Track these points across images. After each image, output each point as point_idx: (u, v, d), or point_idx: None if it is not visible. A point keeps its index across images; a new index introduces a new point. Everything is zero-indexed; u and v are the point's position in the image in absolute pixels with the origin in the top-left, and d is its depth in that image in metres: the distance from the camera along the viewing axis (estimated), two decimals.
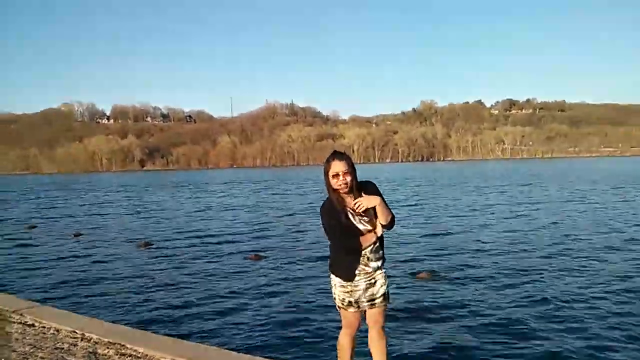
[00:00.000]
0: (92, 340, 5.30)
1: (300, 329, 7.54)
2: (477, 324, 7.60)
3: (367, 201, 3.57)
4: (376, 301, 3.76)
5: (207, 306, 8.94)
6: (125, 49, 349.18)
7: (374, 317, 3.85)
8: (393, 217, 3.70)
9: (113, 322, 6.82)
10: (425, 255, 12.93)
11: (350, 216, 3.62)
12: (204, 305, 9.02)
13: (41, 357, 4.56)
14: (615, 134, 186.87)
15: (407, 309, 8.33)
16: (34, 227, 21.64)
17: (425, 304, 8.70)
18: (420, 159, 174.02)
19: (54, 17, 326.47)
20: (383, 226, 3.66)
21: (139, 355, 4.85)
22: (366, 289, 3.71)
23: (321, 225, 3.73)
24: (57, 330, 5.64)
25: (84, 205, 33.88)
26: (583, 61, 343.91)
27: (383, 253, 3.82)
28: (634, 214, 19.91)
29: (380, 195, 3.69)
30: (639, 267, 10.97)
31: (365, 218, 3.64)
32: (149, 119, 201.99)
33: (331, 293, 3.92)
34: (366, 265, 3.68)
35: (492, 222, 19.00)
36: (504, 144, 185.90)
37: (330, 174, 3.59)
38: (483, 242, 14.67)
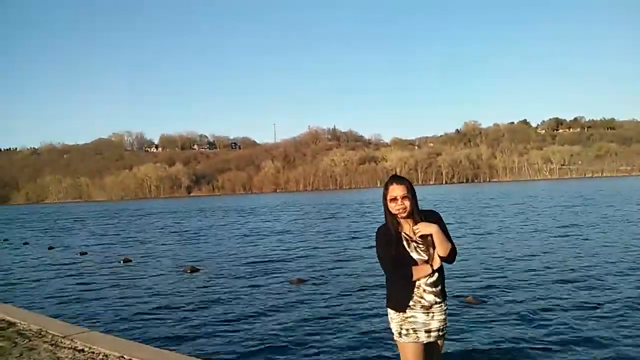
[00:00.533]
0: None
1: (342, 351, 7.48)
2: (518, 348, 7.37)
3: (425, 227, 3.40)
4: (432, 333, 3.49)
5: (250, 331, 8.99)
6: (171, 78, 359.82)
7: (430, 351, 3.60)
8: (454, 249, 3.46)
9: (160, 347, 6.95)
10: (472, 279, 12.66)
11: (405, 243, 3.47)
12: (246, 330, 9.07)
13: None
14: None
15: (453, 333, 8.17)
16: (85, 253, 22.33)
17: (472, 328, 8.51)
18: (464, 180, 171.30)
19: (102, 51, 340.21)
20: (442, 258, 3.44)
21: None
22: (423, 319, 3.47)
23: (375, 251, 3.58)
24: (106, 356, 5.79)
25: (133, 231, 34.78)
26: (631, 77, 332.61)
27: (443, 287, 3.57)
28: None
29: (443, 225, 3.51)
30: None
31: (421, 246, 3.46)
32: (195, 147, 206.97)
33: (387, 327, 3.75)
34: (421, 297, 3.45)
35: (538, 245, 18.46)
36: (551, 163, 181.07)
37: (389, 197, 3.46)
38: (531, 266, 14.26)
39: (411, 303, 3.44)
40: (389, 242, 3.43)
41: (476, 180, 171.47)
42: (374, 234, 3.60)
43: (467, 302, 10.30)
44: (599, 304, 9.76)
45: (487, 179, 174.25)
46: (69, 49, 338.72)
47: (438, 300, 3.48)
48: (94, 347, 6.12)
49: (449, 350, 7.31)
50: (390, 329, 3.65)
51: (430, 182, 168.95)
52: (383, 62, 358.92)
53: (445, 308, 3.55)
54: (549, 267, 13.87)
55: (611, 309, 9.40)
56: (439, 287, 3.50)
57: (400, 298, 3.48)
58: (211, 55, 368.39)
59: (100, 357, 5.73)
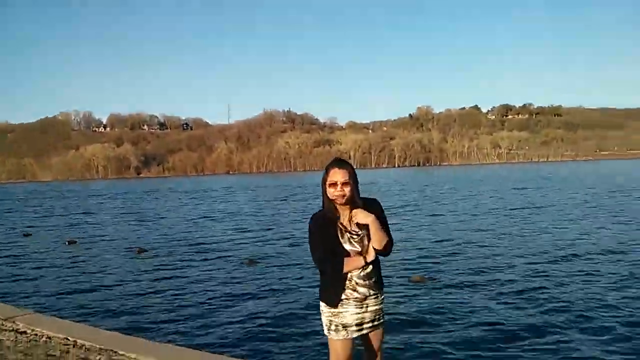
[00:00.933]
0: (84, 347, 5.29)
1: (291, 331, 7.55)
2: (465, 327, 7.64)
3: (362, 215, 3.13)
4: (364, 326, 3.26)
5: (199, 311, 8.95)
6: (122, 58, 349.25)
7: (369, 341, 3.37)
8: (390, 241, 3.20)
9: (106, 329, 6.81)
10: (419, 259, 12.96)
11: (339, 232, 3.19)
12: (196, 310, 9.03)
13: None
14: (612, 138, 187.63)
15: (402, 312, 8.35)
16: (29, 235, 21.61)
17: (418, 307, 8.73)
18: (416, 164, 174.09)
19: (51, 26, 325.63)
20: (376, 251, 3.18)
21: None
22: (355, 312, 3.21)
23: (308, 240, 3.27)
24: (49, 338, 5.62)
25: (79, 212, 33.81)
26: (579, 66, 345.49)
27: (379, 279, 3.29)
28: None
29: (382, 216, 3.25)
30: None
31: (355, 237, 3.18)
32: (145, 127, 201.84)
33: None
34: (354, 290, 3.19)
35: (487, 227, 19.04)
36: (500, 148, 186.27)
37: (328, 182, 3.16)
38: (477, 246, 14.71)
39: (343, 297, 3.19)
40: (323, 230, 3.17)
41: (427, 164, 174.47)
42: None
43: (414, 281, 10.55)
44: (543, 281, 10.18)
45: (438, 163, 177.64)
46: (12, 23, 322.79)
47: (372, 292, 3.23)
48: (37, 329, 5.93)
49: (394, 330, 7.48)
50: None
51: (383, 165, 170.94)
52: (339, 46, 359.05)
53: (381, 299, 3.31)
54: (495, 248, 14.34)
55: (551, 283, 9.83)
56: (373, 279, 3.24)
57: (332, 292, 3.23)
58: (163, 32, 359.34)
59: (44, 339, 5.57)
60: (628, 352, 6.51)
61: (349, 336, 3.23)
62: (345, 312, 3.20)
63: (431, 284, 10.44)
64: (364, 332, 3.27)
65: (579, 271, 11.11)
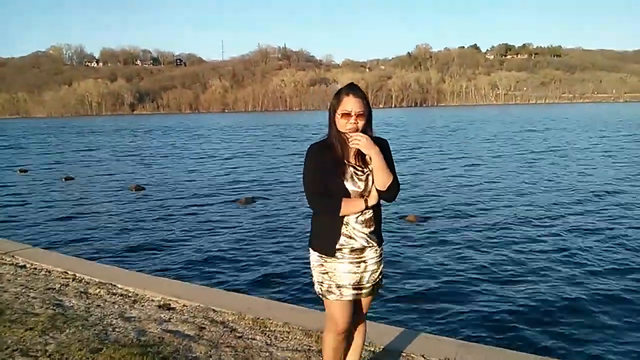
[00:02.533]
0: (83, 281, 5.42)
1: (283, 268, 7.72)
2: (454, 267, 7.84)
3: (365, 143, 2.60)
4: (363, 291, 2.81)
5: (193, 247, 9.12)
6: None
7: (357, 304, 2.92)
8: (395, 182, 2.69)
9: (104, 262, 6.95)
10: (413, 199, 13.11)
11: (342, 167, 2.69)
12: (191, 246, 9.20)
13: (33, 297, 4.66)
14: (609, 81, 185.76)
15: (393, 251, 8.53)
16: (25, 171, 21.59)
17: (411, 245, 8.91)
18: (413, 104, 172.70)
19: None
20: (379, 193, 2.69)
21: (129, 295, 4.98)
22: (352, 270, 2.75)
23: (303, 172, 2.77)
24: (49, 272, 5.75)
25: (74, 149, 33.69)
26: (579, 7, 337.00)
27: (379, 229, 2.82)
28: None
29: (389, 157, 2.75)
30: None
31: (359, 173, 2.69)
32: (138, 62, 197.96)
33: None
34: (350, 238, 2.72)
35: (478, 168, 19.17)
36: (498, 89, 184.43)
37: (340, 111, 2.64)
38: (470, 187, 14.86)
39: (337, 245, 2.72)
40: (322, 162, 2.67)
41: (424, 105, 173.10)
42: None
43: (409, 221, 10.71)
44: (539, 231, 10.37)
45: (435, 103, 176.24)
46: None
47: (371, 243, 2.76)
48: (36, 263, 6.05)
49: (388, 268, 7.65)
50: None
51: (380, 106, 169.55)
52: None
53: (380, 253, 2.82)
54: (494, 190, 14.50)
55: (550, 236, 10.02)
56: (373, 228, 2.78)
57: (326, 237, 2.76)
58: None
59: (43, 273, 5.69)
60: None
61: (344, 298, 2.77)
62: (340, 264, 2.74)
63: (424, 224, 10.60)
64: (362, 296, 2.84)
65: (574, 220, 11.30)
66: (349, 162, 2.71)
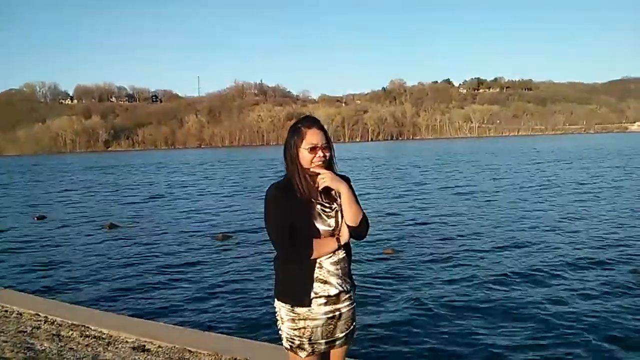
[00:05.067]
0: (55, 323, 5.31)
1: (261, 307, 7.63)
2: (432, 296, 7.87)
3: (332, 180, 2.45)
4: (337, 342, 2.57)
5: (170, 286, 9.00)
6: (86, 28, 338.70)
7: (331, 358, 2.68)
8: (365, 218, 2.54)
9: (76, 304, 6.82)
10: (391, 232, 13.18)
11: (312, 209, 2.48)
12: (167, 285, 9.08)
13: (3, 341, 4.54)
14: (580, 112, 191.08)
15: (372, 282, 8.53)
16: None
17: (389, 277, 8.93)
18: (389, 137, 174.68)
19: None
20: (350, 229, 2.50)
21: (103, 337, 4.89)
22: (326, 323, 2.50)
23: (264, 215, 2.54)
24: (20, 314, 5.62)
25: (47, 187, 33.16)
26: (549, 41, 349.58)
27: (350, 271, 2.62)
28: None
29: (353, 192, 2.55)
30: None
31: (327, 210, 2.51)
32: (113, 99, 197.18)
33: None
34: (325, 282, 2.47)
35: (456, 200, 19.41)
36: (471, 122, 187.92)
37: (305, 145, 2.46)
38: (447, 219, 15.01)
39: (312, 294, 2.46)
40: (287, 203, 2.45)
41: (400, 138, 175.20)
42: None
43: (386, 254, 10.75)
44: (513, 253, 10.49)
45: (411, 137, 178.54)
46: None
47: (347, 287, 2.54)
48: (7, 305, 5.91)
49: (366, 302, 7.64)
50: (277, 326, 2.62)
51: (357, 139, 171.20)
52: (312, 20, 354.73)
53: (354, 301, 2.62)
54: (469, 221, 14.66)
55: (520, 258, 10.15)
56: (347, 269, 2.57)
57: (298, 285, 2.48)
58: (128, 3, 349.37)
59: (14, 315, 5.56)
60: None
61: (316, 353, 2.54)
62: (315, 317, 2.48)
63: (401, 257, 10.65)
64: (334, 347, 2.60)
65: (544, 243, 11.47)
66: (315, 199, 2.50)
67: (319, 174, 2.47)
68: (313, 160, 2.47)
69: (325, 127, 2.58)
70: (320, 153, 2.47)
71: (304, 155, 2.48)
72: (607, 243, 11.23)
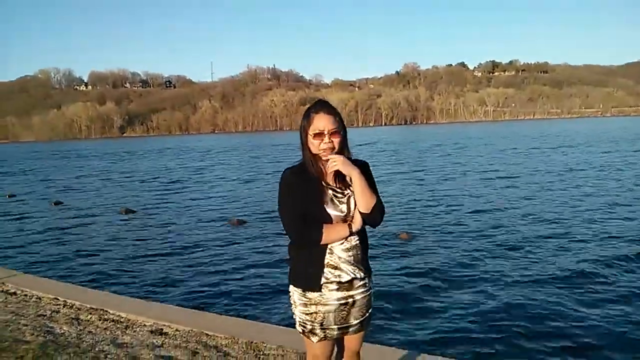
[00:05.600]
0: (74, 307, 5.37)
1: (277, 291, 7.67)
2: (446, 279, 7.85)
3: (343, 164, 2.39)
4: (350, 329, 2.58)
5: (186, 271, 9.05)
6: (100, 14, 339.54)
7: (346, 341, 2.71)
8: (379, 204, 2.47)
9: (95, 288, 6.89)
10: (406, 216, 13.13)
11: (321, 191, 2.46)
12: (183, 270, 9.12)
13: (24, 324, 4.60)
14: (596, 95, 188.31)
15: (387, 270, 8.52)
16: (13, 195, 21.42)
17: (404, 262, 8.91)
18: (403, 122, 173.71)
19: None
20: (363, 216, 2.44)
21: (121, 320, 4.94)
22: (339, 309, 2.50)
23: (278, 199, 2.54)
24: (39, 298, 5.69)
25: (64, 173, 33.51)
26: (566, 23, 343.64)
27: (366, 258, 2.57)
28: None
29: (370, 178, 2.53)
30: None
31: (340, 196, 2.47)
32: (127, 85, 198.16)
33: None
34: (336, 268, 2.45)
35: (470, 186, 19.28)
36: (486, 106, 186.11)
37: (312, 131, 2.43)
38: (460, 205, 14.92)
39: (323, 279, 2.46)
40: (300, 188, 2.45)
41: (414, 122, 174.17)
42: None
43: (401, 239, 10.72)
44: (529, 243, 10.41)
45: (425, 121, 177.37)
46: None
47: (360, 274, 2.51)
48: (26, 290, 6.00)
49: (382, 287, 7.64)
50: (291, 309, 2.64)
51: (370, 124, 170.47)
52: (324, 3, 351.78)
53: (369, 286, 2.59)
54: (483, 207, 14.55)
55: (536, 247, 10.07)
56: (360, 256, 2.52)
57: (308, 270, 2.48)
58: None
59: (34, 299, 5.64)
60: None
61: (328, 338, 2.56)
62: (326, 302, 2.48)
63: (416, 241, 10.62)
64: (349, 334, 2.62)
65: (552, 234, 11.36)
66: (327, 184, 2.49)
67: (331, 160, 2.41)
68: (320, 147, 2.43)
69: (338, 111, 2.52)
70: (326, 139, 2.42)
71: (311, 141, 2.45)
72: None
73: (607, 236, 10.38)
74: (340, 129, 2.47)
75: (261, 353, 4.08)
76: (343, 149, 2.49)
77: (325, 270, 2.46)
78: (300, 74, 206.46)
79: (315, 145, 2.44)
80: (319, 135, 2.42)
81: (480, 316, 6.50)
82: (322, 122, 2.43)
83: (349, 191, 2.48)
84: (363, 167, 2.52)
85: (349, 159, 2.48)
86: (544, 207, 13.95)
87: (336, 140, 2.44)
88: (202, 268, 9.21)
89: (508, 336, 5.92)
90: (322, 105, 2.50)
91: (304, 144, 2.50)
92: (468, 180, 20.75)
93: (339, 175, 2.49)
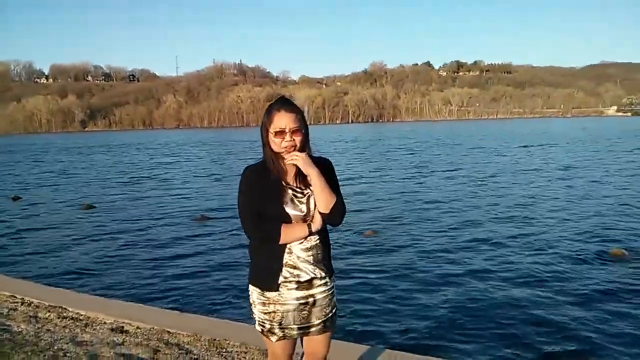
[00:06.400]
0: (32, 305, 5.27)
1: (240, 288, 7.65)
2: (413, 275, 7.99)
3: (303, 161, 2.38)
4: (311, 329, 2.54)
5: (148, 267, 8.95)
6: (61, 4, 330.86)
7: (311, 345, 2.65)
8: (339, 204, 2.44)
9: (54, 286, 6.76)
10: (372, 214, 13.27)
11: (280, 190, 2.44)
12: (144, 267, 9.02)
13: None
14: (557, 96, 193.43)
15: (353, 267, 8.60)
16: None
17: (370, 259, 9.02)
18: (370, 119, 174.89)
19: None
20: (323, 215, 2.43)
21: (81, 318, 4.86)
22: (299, 308, 2.48)
23: (237, 197, 2.52)
24: None
25: (23, 167, 32.59)
26: (529, 25, 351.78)
27: (328, 257, 2.56)
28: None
29: (333, 178, 2.52)
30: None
31: (299, 195, 2.46)
32: (89, 78, 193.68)
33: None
34: (294, 268, 2.45)
35: (433, 181, 19.60)
36: (451, 105, 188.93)
37: (272, 129, 2.40)
38: (425, 199, 15.16)
39: (281, 278, 2.45)
40: (259, 186, 2.44)
41: (380, 120, 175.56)
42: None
43: (367, 236, 10.84)
44: (490, 235, 10.65)
45: (391, 119, 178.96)
46: None
47: (321, 273, 2.49)
48: None
49: (348, 285, 7.72)
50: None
51: (337, 121, 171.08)
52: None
53: (331, 285, 2.56)
54: (445, 202, 14.81)
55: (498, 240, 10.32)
56: (320, 255, 2.51)
57: (266, 269, 2.48)
58: None
59: None
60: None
61: (287, 338, 2.55)
62: (285, 302, 2.46)
63: (381, 238, 10.75)
64: (311, 335, 2.57)
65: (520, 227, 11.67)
66: (287, 183, 2.47)
67: (292, 155, 2.39)
68: (281, 145, 2.39)
69: (305, 108, 2.52)
70: (287, 137, 2.38)
71: (272, 139, 2.42)
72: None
73: (572, 234, 10.71)
74: (302, 127, 2.44)
75: (224, 350, 4.08)
76: (304, 147, 2.46)
77: (284, 269, 2.45)
78: (267, 70, 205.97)
79: (276, 144, 2.41)
80: (280, 133, 2.39)
81: (447, 311, 6.63)
82: (283, 120, 2.39)
83: (309, 191, 2.45)
84: (325, 166, 2.52)
85: (310, 157, 2.45)
86: (510, 203, 14.29)
87: (298, 139, 2.41)
88: (164, 265, 9.12)
89: (477, 331, 6.04)
90: (284, 103, 2.46)
91: (265, 142, 2.47)
92: (434, 178, 21.07)
93: (299, 175, 2.47)
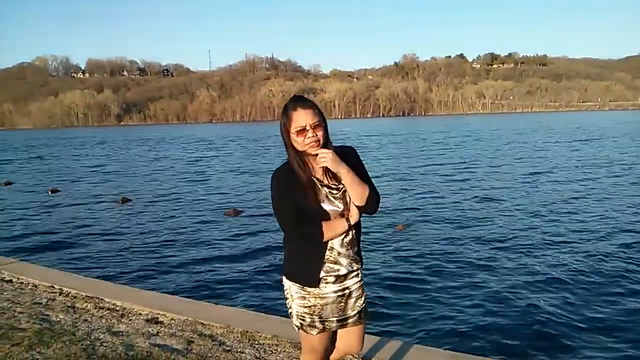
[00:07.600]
0: (70, 295, 5.39)
1: (272, 281, 7.69)
2: (443, 270, 7.89)
3: (333, 162, 2.36)
4: (349, 320, 2.58)
5: (182, 260, 9.06)
6: (100, 0, 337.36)
7: (347, 339, 2.70)
8: (373, 194, 2.46)
9: (91, 277, 6.91)
10: (402, 208, 13.16)
11: (314, 189, 2.44)
12: (179, 259, 9.14)
13: (19, 312, 4.61)
14: (594, 89, 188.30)
15: (383, 261, 8.55)
16: (10, 183, 21.38)
17: (401, 253, 8.95)
18: (401, 113, 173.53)
19: None
20: (359, 208, 2.45)
21: (117, 309, 4.95)
22: (336, 301, 2.52)
23: (271, 202, 2.51)
24: (35, 286, 5.70)
25: (61, 161, 33.44)
26: (565, 16, 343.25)
27: (360, 248, 2.59)
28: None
29: (359, 164, 2.54)
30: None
31: (335, 192, 2.46)
32: (125, 73, 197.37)
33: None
34: (335, 263, 2.48)
35: (466, 177, 19.32)
36: (484, 98, 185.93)
37: (294, 129, 2.38)
38: (458, 196, 14.96)
39: (322, 274, 2.48)
40: (292, 187, 2.43)
41: (412, 114, 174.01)
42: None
43: (398, 230, 10.76)
44: (533, 238, 10.46)
45: (423, 113, 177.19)
46: None
47: (355, 266, 2.55)
48: (22, 277, 6.01)
49: (378, 277, 7.68)
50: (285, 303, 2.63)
51: (368, 115, 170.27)
52: None
53: (361, 277, 2.62)
54: (482, 198, 14.60)
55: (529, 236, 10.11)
56: (356, 249, 2.56)
57: (308, 266, 2.49)
58: None
59: (30, 287, 5.65)
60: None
61: (328, 329, 2.58)
62: (324, 295, 2.50)
63: (413, 233, 10.65)
64: (348, 327, 2.61)
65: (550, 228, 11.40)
66: (319, 180, 2.46)
67: (321, 155, 2.36)
68: (305, 142, 2.37)
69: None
70: (310, 134, 2.36)
71: (295, 139, 2.39)
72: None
73: (608, 231, 10.42)
74: (322, 121, 2.42)
75: (256, 342, 4.10)
76: (327, 141, 2.44)
77: (325, 265, 2.47)
78: (299, 64, 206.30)
79: (299, 143, 2.39)
80: (302, 131, 2.37)
81: (475, 308, 6.53)
82: (302, 117, 2.37)
83: (342, 185, 2.45)
84: (350, 154, 2.52)
85: (334, 148, 2.45)
86: (544, 199, 13.99)
87: (320, 133, 2.38)
88: (197, 257, 9.23)
89: (502, 328, 5.94)
90: (298, 100, 2.46)
91: (287, 144, 2.46)
92: (470, 172, 20.78)
93: (328, 170, 2.45)
